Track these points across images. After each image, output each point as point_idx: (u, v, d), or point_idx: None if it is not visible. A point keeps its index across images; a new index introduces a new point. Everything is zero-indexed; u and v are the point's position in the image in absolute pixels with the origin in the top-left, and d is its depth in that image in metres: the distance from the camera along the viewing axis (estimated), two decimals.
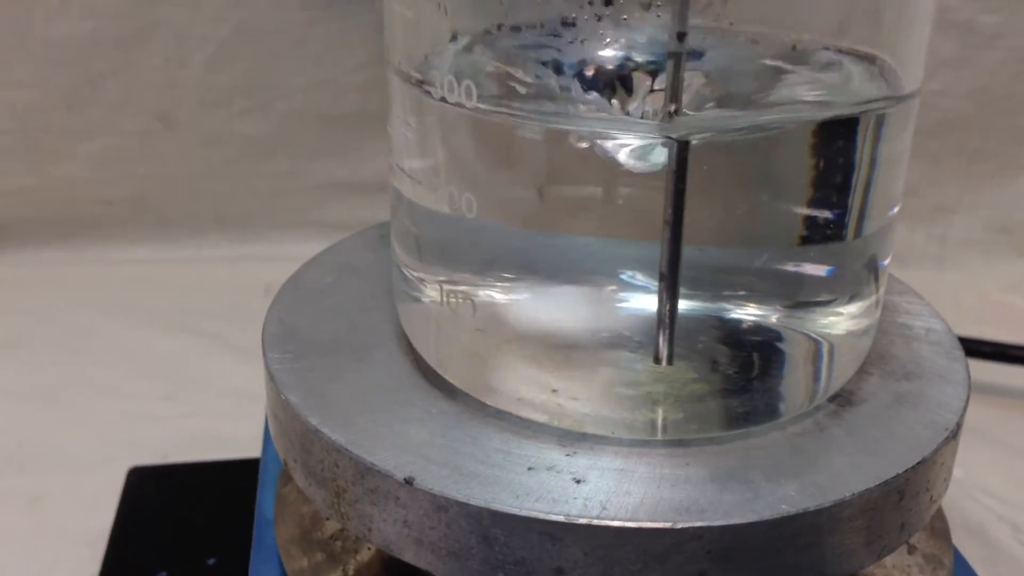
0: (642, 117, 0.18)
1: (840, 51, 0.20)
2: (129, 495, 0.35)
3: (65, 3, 0.49)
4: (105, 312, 0.49)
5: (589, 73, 0.18)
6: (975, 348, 0.44)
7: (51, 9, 0.49)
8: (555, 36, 0.17)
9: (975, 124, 0.53)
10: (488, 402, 0.20)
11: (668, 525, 0.17)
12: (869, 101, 0.19)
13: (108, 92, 0.51)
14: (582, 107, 0.18)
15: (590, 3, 0.17)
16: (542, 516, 0.17)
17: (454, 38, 0.19)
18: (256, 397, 0.33)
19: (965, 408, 0.21)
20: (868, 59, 0.20)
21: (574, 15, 0.17)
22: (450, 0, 0.18)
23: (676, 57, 0.17)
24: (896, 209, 0.22)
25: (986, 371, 0.44)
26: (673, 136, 0.18)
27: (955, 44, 0.51)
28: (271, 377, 0.21)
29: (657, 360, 0.20)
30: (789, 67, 0.19)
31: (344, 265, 0.26)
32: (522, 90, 0.18)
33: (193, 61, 0.51)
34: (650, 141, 0.18)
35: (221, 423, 0.40)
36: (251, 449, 0.35)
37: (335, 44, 0.51)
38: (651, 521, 0.17)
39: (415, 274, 0.22)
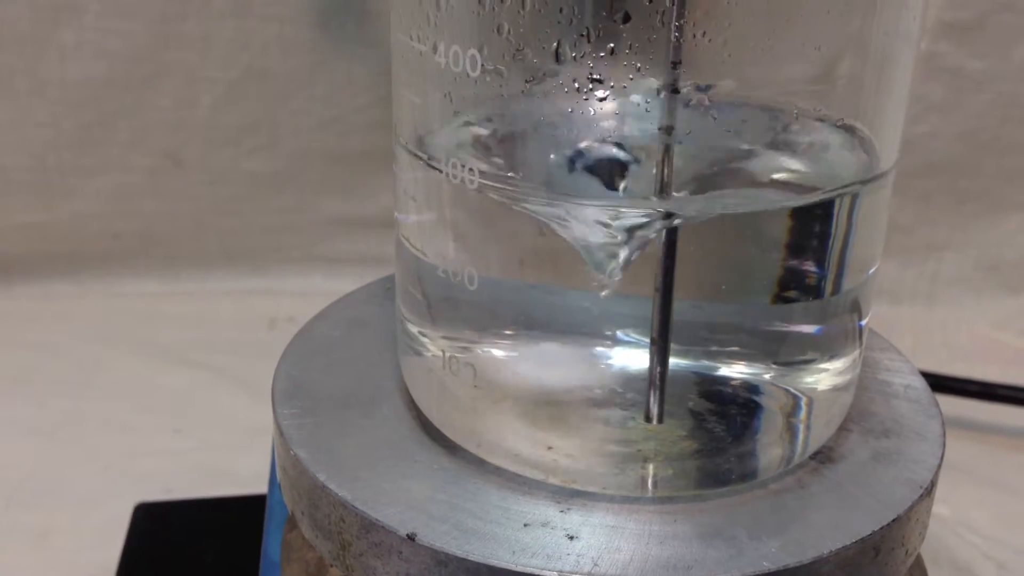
0: (634, 198, 0.19)
1: (821, 120, 0.21)
2: (135, 531, 0.36)
3: (79, 46, 0.50)
4: (112, 346, 0.50)
5: (585, 160, 0.19)
6: (962, 387, 0.45)
7: (65, 51, 0.50)
8: (552, 124, 0.19)
9: (965, 165, 0.54)
10: (486, 458, 0.21)
11: None
12: (848, 185, 0.20)
13: (119, 131, 0.52)
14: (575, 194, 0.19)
15: (585, 98, 0.18)
16: (536, 572, 0.19)
17: (459, 115, 0.20)
18: (261, 431, 0.34)
19: (939, 465, 0.22)
20: (848, 130, 0.21)
21: (570, 108, 0.18)
22: (455, 89, 0.19)
23: (665, 146, 0.18)
24: (873, 270, 0.23)
25: (973, 409, 0.45)
26: (662, 214, 0.19)
27: (944, 88, 0.52)
28: (281, 433, 0.22)
29: (648, 418, 0.21)
30: (773, 152, 0.20)
31: (351, 319, 0.27)
32: (520, 174, 0.19)
33: (202, 102, 0.52)
34: (642, 221, 0.19)
35: (227, 458, 0.41)
36: (256, 484, 0.36)
37: (341, 85, 0.52)
38: None
39: (417, 331, 0.23)
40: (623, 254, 0.19)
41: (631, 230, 0.19)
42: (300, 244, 0.56)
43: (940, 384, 0.44)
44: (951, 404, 0.45)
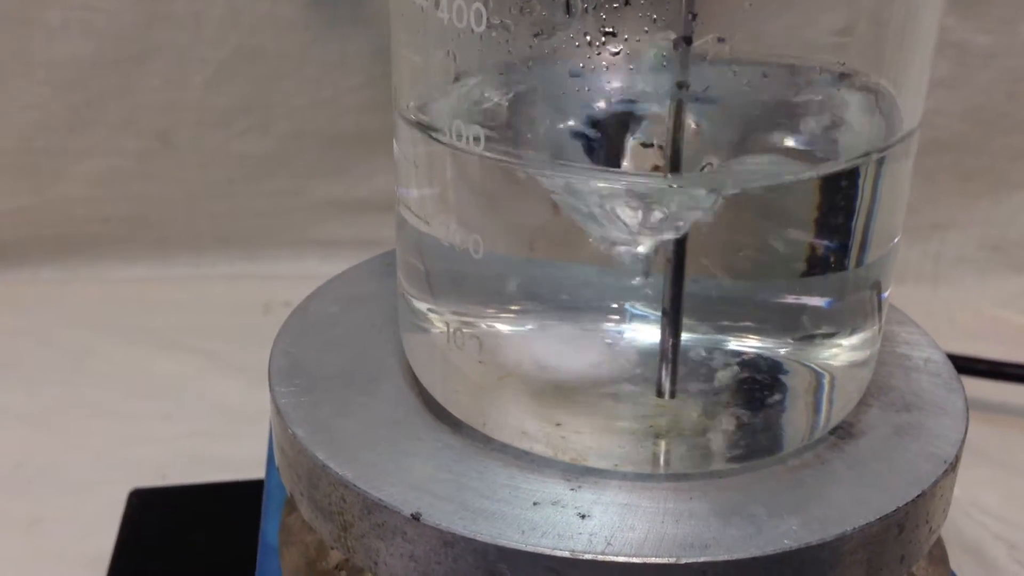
0: (647, 172, 0.18)
1: (843, 76, 0.20)
2: (130, 517, 0.35)
3: (66, 25, 0.49)
4: (103, 332, 0.49)
5: (593, 127, 0.18)
6: (970, 366, 0.44)
7: (52, 31, 0.49)
8: (561, 84, 0.18)
9: (969, 143, 0.53)
10: (492, 435, 0.21)
11: (672, 560, 0.18)
12: (869, 152, 0.19)
13: (108, 113, 0.51)
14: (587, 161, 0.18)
15: (598, 53, 0.17)
16: (547, 552, 0.18)
17: (458, 79, 0.19)
18: (256, 417, 0.33)
19: (963, 440, 0.21)
20: (871, 91, 0.20)
21: (581, 64, 0.17)
22: (459, 47, 0.18)
23: (679, 107, 0.17)
24: (897, 239, 0.22)
25: (981, 389, 0.44)
26: (676, 187, 0.18)
27: (950, 64, 0.52)
28: (278, 411, 0.21)
29: (660, 394, 0.20)
30: (792, 112, 0.19)
31: (349, 295, 0.26)
32: (528, 139, 0.18)
33: (193, 82, 0.51)
34: (653, 190, 0.18)
35: (221, 443, 0.40)
36: (252, 470, 0.35)
37: (334, 65, 0.51)
38: (655, 557, 0.18)
39: (421, 306, 0.22)
40: (636, 236, 0.18)
41: (644, 208, 0.18)
42: (294, 227, 0.55)
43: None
44: None
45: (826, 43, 0.19)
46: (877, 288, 0.21)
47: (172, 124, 0.52)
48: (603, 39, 0.17)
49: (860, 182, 0.20)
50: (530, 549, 0.18)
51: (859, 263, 0.20)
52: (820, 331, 0.21)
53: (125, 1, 0.49)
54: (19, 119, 0.50)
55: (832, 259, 0.20)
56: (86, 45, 0.49)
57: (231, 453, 0.39)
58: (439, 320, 0.21)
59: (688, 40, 0.17)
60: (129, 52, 0.50)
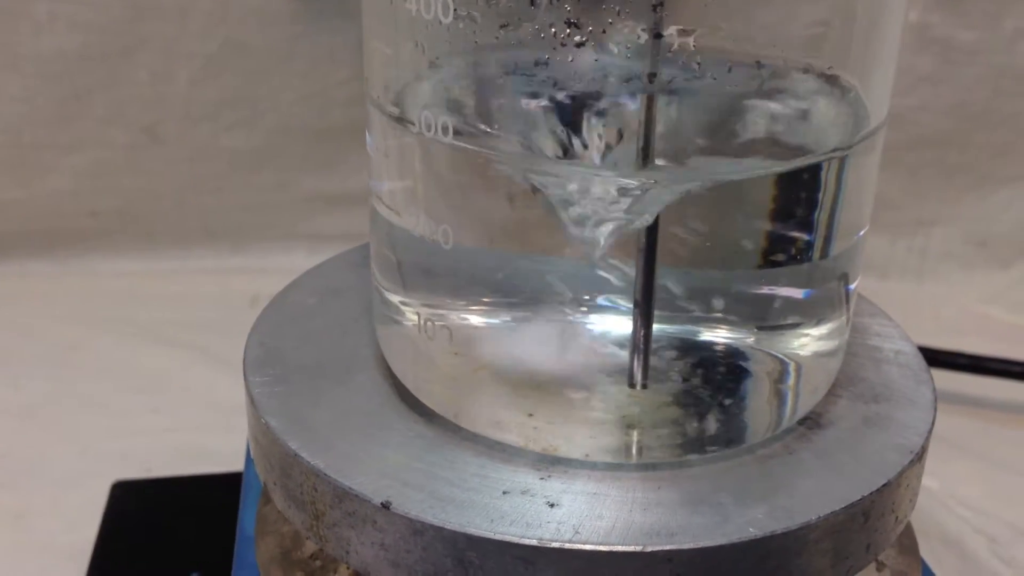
0: (614, 164, 0.18)
1: (808, 71, 0.20)
2: (113, 509, 0.35)
3: (53, 18, 0.49)
4: (90, 325, 0.49)
5: (560, 118, 0.18)
6: (952, 360, 0.44)
7: (39, 24, 0.49)
8: (529, 75, 0.18)
9: (954, 139, 0.54)
10: (464, 425, 0.21)
11: (638, 548, 0.18)
12: (836, 149, 0.20)
13: (95, 106, 0.51)
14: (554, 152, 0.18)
15: (563, 45, 0.17)
16: (516, 540, 0.18)
17: (432, 66, 0.19)
18: (240, 409, 0.33)
19: (931, 431, 0.21)
20: (837, 84, 0.20)
21: (547, 57, 0.17)
22: (427, 38, 0.18)
23: (648, 100, 0.17)
24: (862, 232, 0.22)
25: (963, 383, 0.45)
26: (644, 183, 0.18)
27: (934, 60, 0.52)
28: (252, 401, 0.21)
29: (632, 384, 0.21)
30: (758, 106, 0.20)
31: (326, 287, 0.26)
32: (496, 129, 0.19)
33: (180, 76, 0.51)
34: (621, 186, 0.18)
35: (206, 436, 0.40)
36: (235, 463, 0.35)
37: (322, 59, 0.51)
38: (622, 545, 0.18)
39: (393, 297, 0.22)
40: (603, 226, 0.18)
41: (612, 199, 0.18)
42: (282, 221, 0.55)
43: (930, 357, 0.43)
44: (941, 378, 0.44)
45: (793, 38, 0.19)
46: (844, 279, 0.21)
47: (159, 118, 0.52)
48: (568, 30, 0.17)
49: (826, 176, 0.20)
50: (498, 537, 0.18)
51: (825, 254, 0.21)
52: (787, 321, 0.21)
53: None
54: (6, 112, 0.50)
55: (798, 251, 0.20)
56: (73, 39, 0.49)
57: (217, 446, 0.39)
58: (411, 312, 0.21)
59: (655, 33, 0.17)
60: (116, 46, 0.50)
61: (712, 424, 0.20)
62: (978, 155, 0.54)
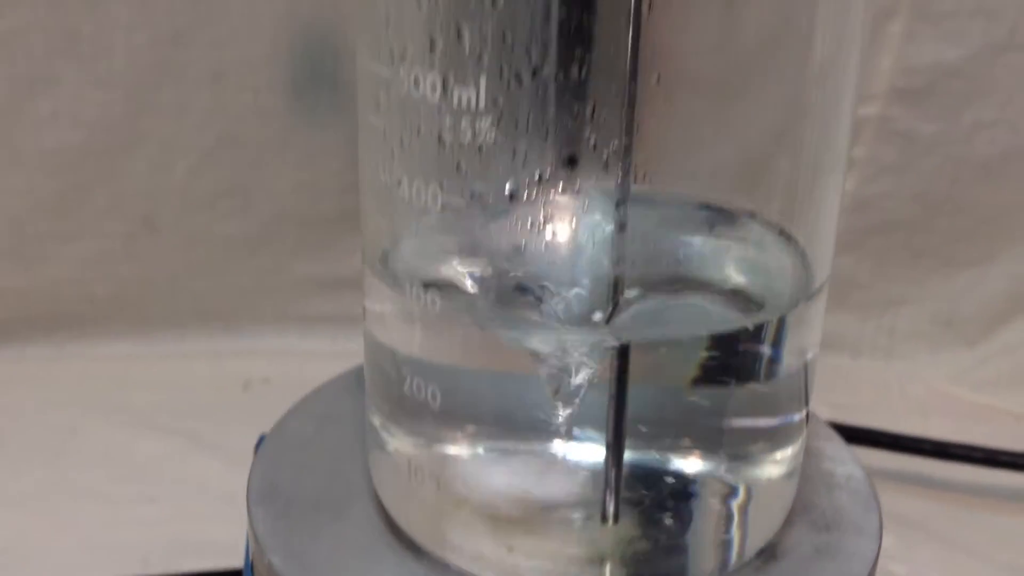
0: (581, 324, 0.20)
1: (752, 218, 0.22)
2: None
3: (56, 115, 0.51)
4: (86, 411, 0.50)
5: (536, 290, 0.20)
6: (917, 446, 0.47)
7: (42, 121, 0.51)
8: (511, 257, 0.20)
9: (919, 224, 0.56)
10: (449, 559, 0.23)
11: None
12: (790, 307, 0.22)
13: (95, 198, 0.53)
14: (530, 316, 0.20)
15: (540, 231, 0.19)
16: None
17: (422, 243, 0.21)
18: (234, 497, 0.34)
19: (876, 559, 0.23)
20: (784, 237, 0.23)
21: (524, 241, 0.20)
22: (421, 221, 0.20)
23: (616, 261, 0.19)
24: (811, 355, 0.24)
25: (927, 467, 0.47)
26: (611, 344, 0.20)
27: (897, 151, 0.55)
28: (255, 537, 0.23)
29: (604, 519, 0.23)
30: (716, 261, 0.22)
31: (324, 415, 0.28)
32: (480, 303, 0.21)
33: (177, 168, 0.53)
34: (588, 343, 0.20)
35: (203, 527, 0.41)
36: (231, 556, 0.36)
37: (314, 151, 0.54)
38: None
39: (382, 431, 0.24)
40: (575, 380, 0.20)
41: (582, 359, 0.20)
42: (274, 304, 0.57)
43: (896, 443, 0.46)
44: (907, 462, 0.46)
45: (741, 192, 0.21)
46: (798, 403, 0.24)
47: (156, 208, 0.54)
48: (543, 221, 0.19)
49: (777, 328, 0.22)
50: None
51: (778, 384, 0.23)
52: (749, 449, 0.23)
53: (115, 92, 0.51)
54: (9, 204, 0.52)
55: (756, 383, 0.22)
56: (75, 135, 0.51)
57: (212, 537, 0.40)
58: (398, 444, 0.23)
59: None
60: (117, 140, 0.52)
61: (680, 559, 0.22)
62: (942, 239, 0.57)
